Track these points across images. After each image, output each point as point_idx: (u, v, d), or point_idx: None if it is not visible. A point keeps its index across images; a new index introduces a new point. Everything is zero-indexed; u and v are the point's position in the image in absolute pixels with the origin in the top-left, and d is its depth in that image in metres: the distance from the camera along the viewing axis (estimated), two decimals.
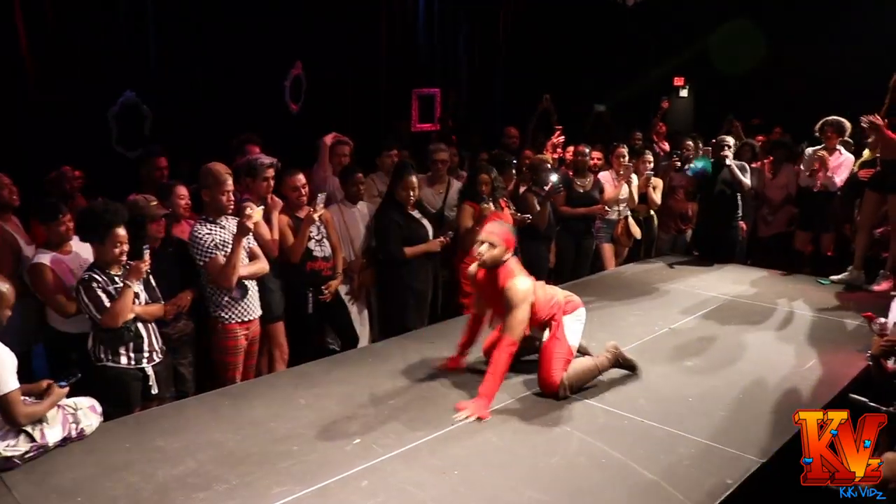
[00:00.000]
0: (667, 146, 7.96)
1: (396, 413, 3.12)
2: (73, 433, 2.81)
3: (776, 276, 5.64)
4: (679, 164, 6.65)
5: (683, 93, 10.83)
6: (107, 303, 3.26)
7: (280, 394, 3.33)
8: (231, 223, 3.90)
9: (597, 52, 9.67)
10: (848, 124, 5.85)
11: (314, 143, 5.36)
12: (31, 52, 5.10)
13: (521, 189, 5.69)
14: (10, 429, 2.64)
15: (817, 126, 5.93)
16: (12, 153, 4.73)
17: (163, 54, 5.86)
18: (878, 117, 4.94)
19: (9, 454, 2.60)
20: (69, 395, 2.87)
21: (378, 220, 4.82)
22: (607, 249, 6.32)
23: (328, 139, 5.22)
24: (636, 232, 6.36)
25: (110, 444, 2.82)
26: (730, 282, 5.40)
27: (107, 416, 3.00)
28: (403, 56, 8.05)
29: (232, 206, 3.88)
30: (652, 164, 6.45)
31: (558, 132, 6.85)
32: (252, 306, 3.96)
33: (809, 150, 6.11)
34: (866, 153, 5.99)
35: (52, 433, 2.73)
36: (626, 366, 3.57)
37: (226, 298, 3.84)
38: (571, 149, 6.53)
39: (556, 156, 6.61)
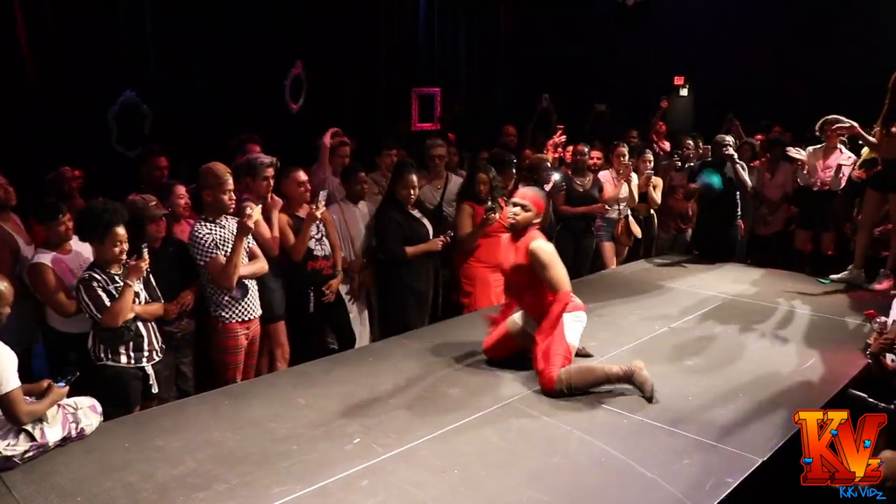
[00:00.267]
0: (667, 145, 7.97)
1: (396, 413, 3.11)
2: (73, 433, 2.80)
3: (776, 275, 5.63)
4: (679, 163, 6.64)
5: (683, 92, 10.84)
6: (107, 302, 3.27)
7: (280, 393, 3.33)
8: (231, 223, 3.90)
9: (597, 52, 9.67)
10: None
11: (314, 142, 5.35)
12: (31, 52, 5.09)
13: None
14: (10, 428, 2.63)
15: (817, 125, 5.93)
16: (12, 153, 4.73)
17: (163, 54, 5.85)
18: (846, 123, 5.18)
19: (9, 453, 2.60)
20: (69, 395, 2.87)
21: (378, 220, 4.81)
22: (608, 248, 6.32)
23: (327, 138, 5.22)
24: (636, 231, 6.36)
25: (110, 443, 2.82)
26: (730, 281, 5.39)
27: (107, 415, 3.00)
28: (403, 56, 8.04)
29: (234, 206, 3.89)
30: (652, 164, 6.46)
31: (560, 132, 6.85)
32: (252, 306, 3.97)
33: (809, 149, 6.11)
34: (864, 152, 5.98)
35: (52, 433, 2.73)
36: (639, 387, 3.27)
37: (226, 298, 3.84)
38: (571, 148, 6.54)
39: (556, 155, 6.61)
